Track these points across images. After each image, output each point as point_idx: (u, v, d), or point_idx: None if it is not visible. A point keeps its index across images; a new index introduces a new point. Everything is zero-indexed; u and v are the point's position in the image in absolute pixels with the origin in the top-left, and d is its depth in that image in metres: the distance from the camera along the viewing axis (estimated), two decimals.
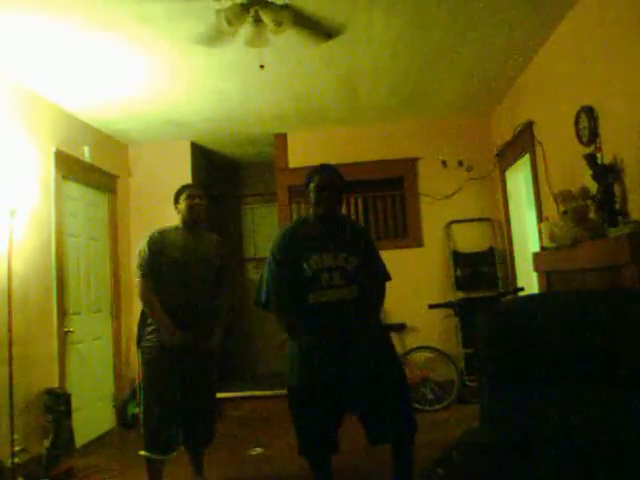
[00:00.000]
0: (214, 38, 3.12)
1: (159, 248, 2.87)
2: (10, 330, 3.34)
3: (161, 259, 2.86)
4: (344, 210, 5.02)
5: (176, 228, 3.00)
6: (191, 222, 2.97)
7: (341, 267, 2.46)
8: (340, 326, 2.43)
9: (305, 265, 2.46)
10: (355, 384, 2.42)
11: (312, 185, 2.52)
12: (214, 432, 3.07)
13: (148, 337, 2.86)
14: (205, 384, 2.96)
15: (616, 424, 1.53)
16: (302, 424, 2.48)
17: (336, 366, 2.41)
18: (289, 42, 3.34)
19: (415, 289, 5.07)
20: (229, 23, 2.76)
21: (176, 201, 3.01)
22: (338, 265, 2.46)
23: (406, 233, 5.34)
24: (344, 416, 2.51)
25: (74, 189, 4.47)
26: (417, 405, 4.54)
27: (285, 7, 2.83)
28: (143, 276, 2.86)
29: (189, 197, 2.96)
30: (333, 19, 3.19)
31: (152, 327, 2.86)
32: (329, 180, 2.52)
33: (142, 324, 2.93)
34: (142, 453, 2.82)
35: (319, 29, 3.16)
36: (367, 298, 2.52)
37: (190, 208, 2.95)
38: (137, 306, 3.17)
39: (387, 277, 2.68)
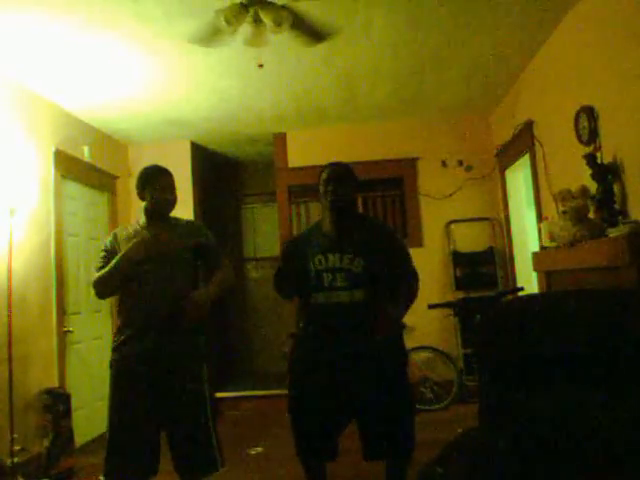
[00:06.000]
0: (211, 38, 3.08)
1: (113, 248, 2.49)
2: (10, 330, 3.34)
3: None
4: None
5: (136, 223, 2.58)
6: (157, 215, 2.54)
7: (346, 269, 2.36)
8: (342, 329, 2.36)
9: (310, 264, 2.42)
10: (356, 391, 2.35)
11: (321, 179, 2.50)
12: (214, 457, 2.46)
13: (116, 349, 2.46)
14: (190, 400, 2.45)
15: (616, 425, 1.53)
16: (299, 426, 2.43)
17: (336, 370, 2.35)
18: (288, 42, 3.34)
19: None
20: (228, 23, 2.75)
21: (140, 190, 2.53)
22: (343, 266, 2.36)
23: (406, 233, 5.33)
24: (347, 422, 2.43)
25: (74, 189, 4.47)
26: (417, 405, 4.54)
27: (284, 7, 2.83)
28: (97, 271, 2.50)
29: (158, 189, 2.50)
30: (331, 19, 3.18)
31: (121, 338, 2.44)
32: (337, 173, 2.48)
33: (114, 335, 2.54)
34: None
35: (310, 31, 3.13)
36: (396, 293, 2.42)
37: (159, 203, 2.51)
38: None
39: (416, 277, 2.50)
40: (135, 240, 2.44)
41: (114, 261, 2.43)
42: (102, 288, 2.50)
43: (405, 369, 2.49)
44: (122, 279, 2.46)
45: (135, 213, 5.20)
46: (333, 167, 2.52)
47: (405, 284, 2.47)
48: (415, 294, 2.48)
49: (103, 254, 2.53)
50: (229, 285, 2.63)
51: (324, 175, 2.48)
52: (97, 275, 2.48)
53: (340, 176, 2.47)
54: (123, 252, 2.42)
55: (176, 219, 2.63)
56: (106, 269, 2.44)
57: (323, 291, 2.38)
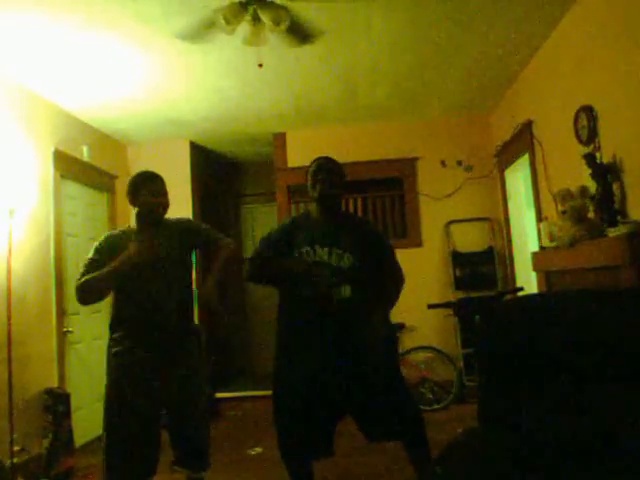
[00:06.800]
0: (200, 33, 3.06)
1: (107, 254, 2.42)
2: (9, 330, 3.34)
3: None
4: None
5: (124, 232, 2.56)
6: (150, 221, 2.51)
7: (334, 265, 2.33)
8: (328, 324, 2.32)
9: (296, 254, 2.38)
10: (343, 386, 2.32)
11: (310, 171, 2.49)
12: (206, 455, 2.55)
13: (113, 355, 2.43)
14: (189, 403, 2.48)
15: (616, 425, 1.53)
16: (283, 424, 2.39)
17: (322, 365, 2.31)
18: (288, 41, 3.34)
19: (414, 289, 5.00)
20: (227, 22, 2.75)
21: (133, 195, 2.48)
22: (331, 262, 2.33)
23: (405, 233, 5.34)
24: (336, 419, 2.40)
25: (73, 189, 4.47)
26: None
27: (283, 6, 2.83)
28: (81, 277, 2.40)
29: (152, 193, 2.46)
30: (331, 19, 3.18)
31: (116, 348, 2.41)
32: (325, 164, 2.48)
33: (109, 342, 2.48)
34: None
35: (301, 31, 3.12)
36: (377, 293, 2.41)
37: (153, 207, 2.47)
38: None
39: (402, 279, 2.51)
40: (125, 254, 2.35)
41: (104, 270, 2.33)
42: (88, 294, 2.39)
43: (395, 356, 2.52)
44: (113, 286, 2.43)
45: (133, 213, 5.16)
46: (322, 160, 2.52)
47: (392, 285, 2.48)
48: (398, 296, 2.50)
49: (89, 260, 2.44)
50: (231, 252, 2.69)
51: (313, 167, 2.49)
52: (82, 280, 2.36)
53: (329, 168, 2.47)
54: (113, 264, 2.33)
55: (165, 219, 2.58)
56: (95, 275, 2.34)
57: (309, 285, 2.33)
